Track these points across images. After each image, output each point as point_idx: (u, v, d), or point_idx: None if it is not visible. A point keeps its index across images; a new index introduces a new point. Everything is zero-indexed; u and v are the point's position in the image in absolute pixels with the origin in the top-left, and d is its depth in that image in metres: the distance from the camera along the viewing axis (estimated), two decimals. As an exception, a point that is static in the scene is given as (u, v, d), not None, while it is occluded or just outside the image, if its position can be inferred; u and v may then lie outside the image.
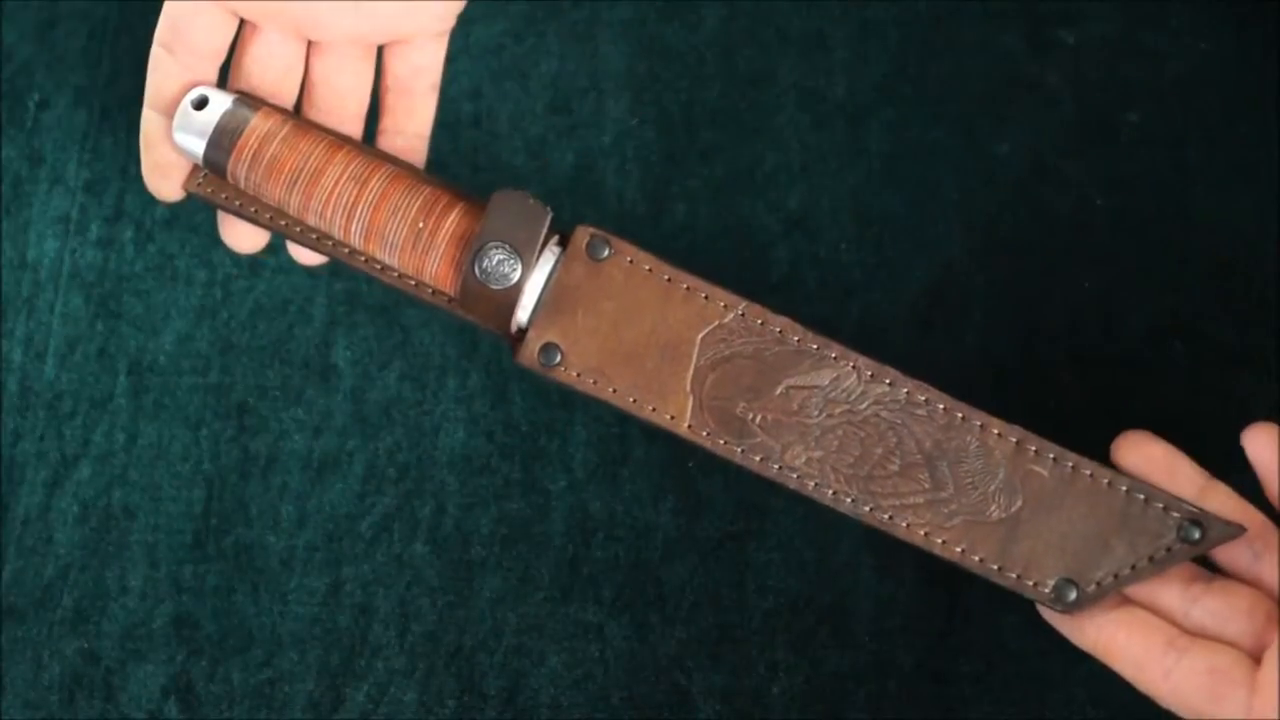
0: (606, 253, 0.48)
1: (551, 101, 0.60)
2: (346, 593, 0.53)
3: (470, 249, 0.46)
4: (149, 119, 0.49)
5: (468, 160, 0.58)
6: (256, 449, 0.55)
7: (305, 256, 0.50)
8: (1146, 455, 0.46)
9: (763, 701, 0.51)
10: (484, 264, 0.46)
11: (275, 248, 0.58)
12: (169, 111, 0.48)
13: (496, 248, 0.46)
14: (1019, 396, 0.55)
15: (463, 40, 0.60)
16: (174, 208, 0.58)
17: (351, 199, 0.47)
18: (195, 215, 0.58)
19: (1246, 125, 0.58)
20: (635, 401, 0.47)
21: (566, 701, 0.52)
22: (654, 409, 0.47)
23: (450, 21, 0.49)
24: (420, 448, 0.55)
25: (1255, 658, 0.43)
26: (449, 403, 0.55)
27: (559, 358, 0.47)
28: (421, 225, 0.47)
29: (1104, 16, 0.60)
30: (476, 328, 0.56)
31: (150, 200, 0.58)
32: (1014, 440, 0.46)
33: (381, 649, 0.52)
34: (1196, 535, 0.45)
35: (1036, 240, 0.57)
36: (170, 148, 0.49)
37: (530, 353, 0.48)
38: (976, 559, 0.46)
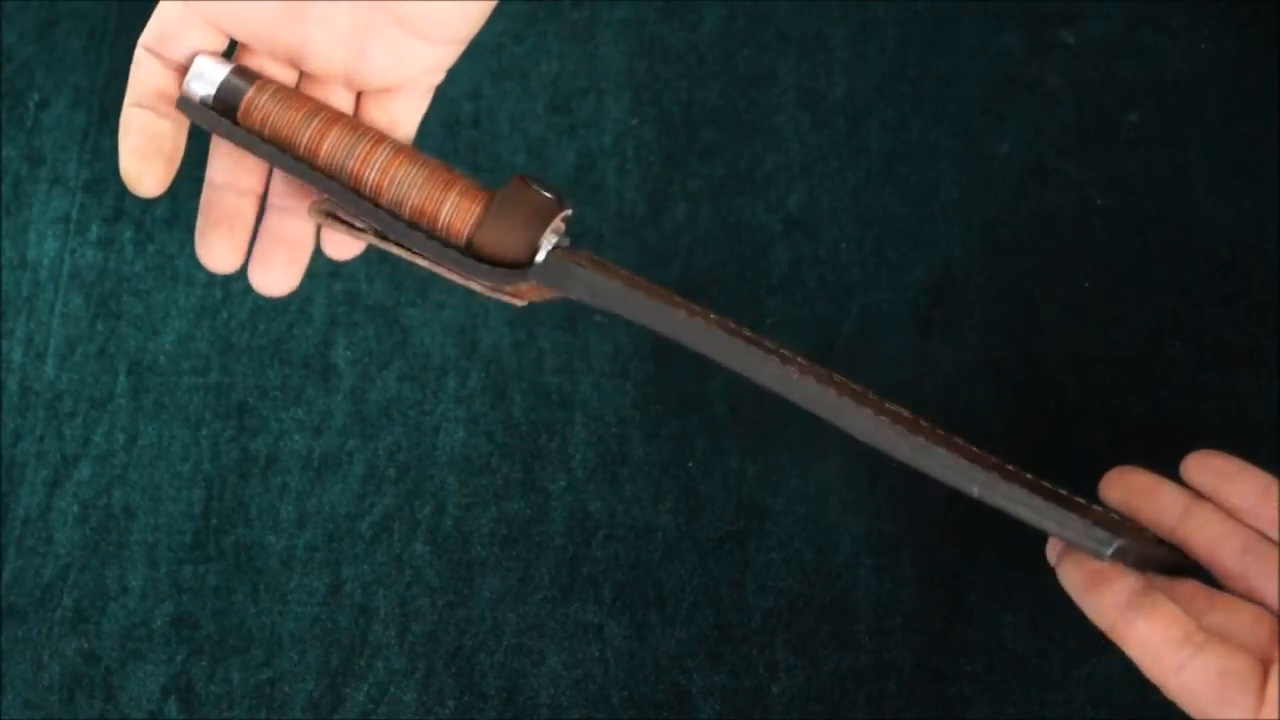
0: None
1: (551, 101, 0.60)
2: (346, 593, 0.53)
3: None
4: (130, 114, 0.47)
5: (468, 160, 0.58)
6: (256, 449, 0.55)
7: (336, 249, 0.48)
8: (1128, 485, 0.47)
9: (763, 701, 0.51)
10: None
11: (275, 248, 0.58)
12: (154, 107, 0.46)
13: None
14: (1019, 396, 0.55)
15: (463, 40, 0.60)
16: (174, 207, 0.58)
17: (369, 143, 0.45)
18: (195, 215, 0.58)
19: (1246, 125, 0.58)
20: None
21: (566, 701, 0.52)
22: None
23: (439, 76, 0.48)
24: (420, 448, 0.55)
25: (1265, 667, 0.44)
26: (449, 403, 0.55)
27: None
28: (439, 174, 0.46)
29: (1104, 16, 0.60)
30: (478, 327, 0.56)
31: (150, 200, 0.58)
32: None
33: (381, 649, 0.52)
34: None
35: (1036, 240, 0.57)
36: (153, 137, 0.46)
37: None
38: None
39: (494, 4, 0.46)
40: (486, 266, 0.45)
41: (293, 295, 0.57)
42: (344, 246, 0.48)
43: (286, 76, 0.47)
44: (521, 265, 0.44)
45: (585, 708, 0.52)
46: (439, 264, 0.46)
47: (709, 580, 0.53)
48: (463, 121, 0.59)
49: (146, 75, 0.47)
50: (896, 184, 0.58)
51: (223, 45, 0.47)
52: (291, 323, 0.57)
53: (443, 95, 0.59)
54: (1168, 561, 0.46)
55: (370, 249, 0.57)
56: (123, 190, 0.58)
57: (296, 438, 0.55)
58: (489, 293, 0.46)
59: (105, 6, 0.61)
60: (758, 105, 0.59)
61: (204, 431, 0.55)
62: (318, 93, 0.47)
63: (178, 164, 0.48)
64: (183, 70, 0.46)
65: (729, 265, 0.57)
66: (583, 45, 0.60)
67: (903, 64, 0.60)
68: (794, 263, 0.57)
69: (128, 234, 0.58)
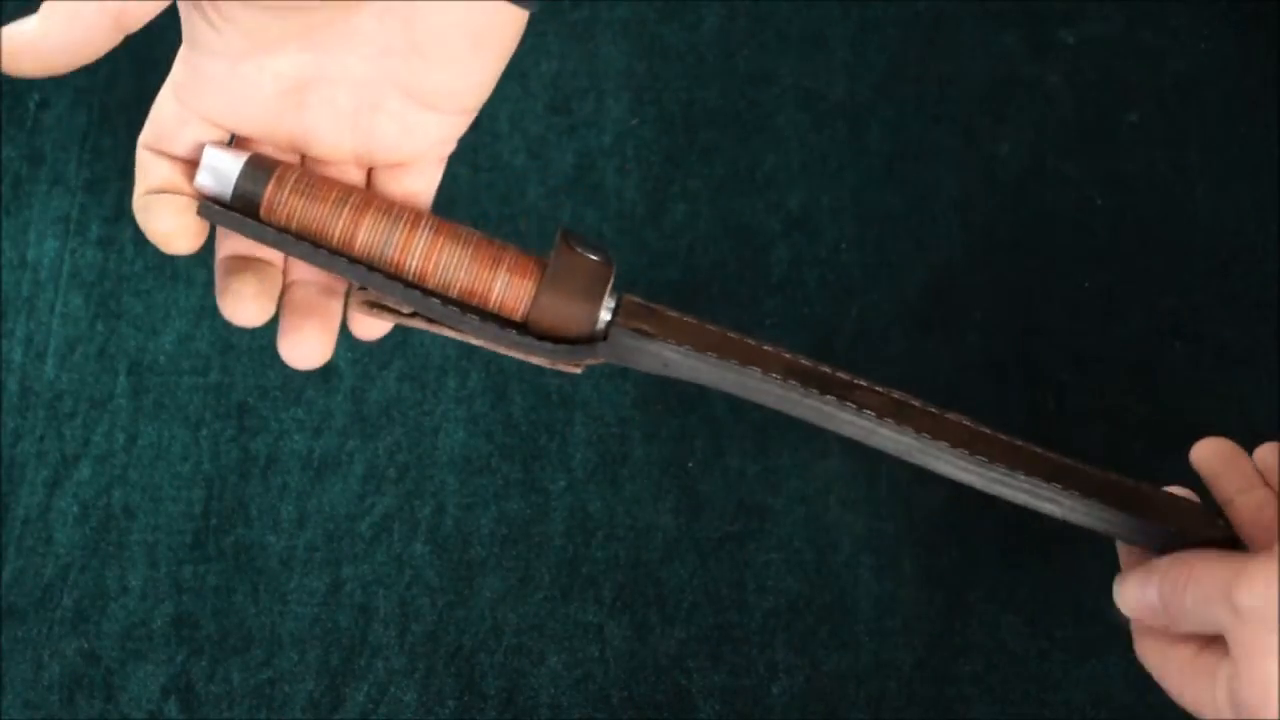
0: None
1: (551, 101, 0.60)
2: (346, 593, 0.53)
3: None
4: (143, 202, 0.44)
5: (468, 160, 0.58)
6: (256, 449, 0.55)
7: (364, 328, 0.46)
8: (1215, 452, 0.46)
9: (763, 701, 0.51)
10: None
11: (275, 248, 0.58)
12: (164, 189, 0.43)
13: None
14: (1019, 396, 0.55)
15: (463, 40, 0.60)
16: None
17: (407, 228, 0.43)
18: (195, 215, 0.58)
19: (1246, 125, 0.58)
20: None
21: (566, 701, 0.52)
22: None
23: (451, 146, 0.46)
24: (420, 448, 0.55)
25: None
26: (449, 403, 0.55)
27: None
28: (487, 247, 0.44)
29: (1104, 16, 0.60)
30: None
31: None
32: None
33: (381, 649, 0.52)
34: None
35: (1036, 240, 0.57)
36: (168, 215, 0.43)
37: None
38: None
39: (501, 69, 0.45)
40: (553, 345, 0.44)
41: (293, 295, 0.57)
42: (373, 327, 0.46)
43: (295, 160, 0.45)
44: (584, 338, 0.43)
45: (585, 708, 0.52)
46: (496, 344, 0.45)
47: (709, 580, 0.53)
48: (463, 121, 0.59)
49: (153, 174, 0.44)
50: (896, 184, 0.58)
51: (225, 136, 0.44)
52: (291, 323, 0.57)
53: (443, 95, 0.59)
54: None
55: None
56: (123, 190, 0.58)
57: (296, 438, 0.55)
58: (550, 365, 0.45)
59: (105, 6, 0.61)
60: (758, 105, 0.59)
61: (204, 431, 0.55)
62: (329, 173, 0.45)
63: (206, 231, 0.44)
64: (189, 162, 0.44)
65: (729, 265, 0.57)
66: (583, 45, 0.60)
67: (903, 64, 0.60)
68: (794, 263, 0.57)
69: (128, 234, 0.58)
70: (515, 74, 0.60)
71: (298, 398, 0.55)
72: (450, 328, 0.45)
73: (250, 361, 0.56)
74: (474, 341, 0.45)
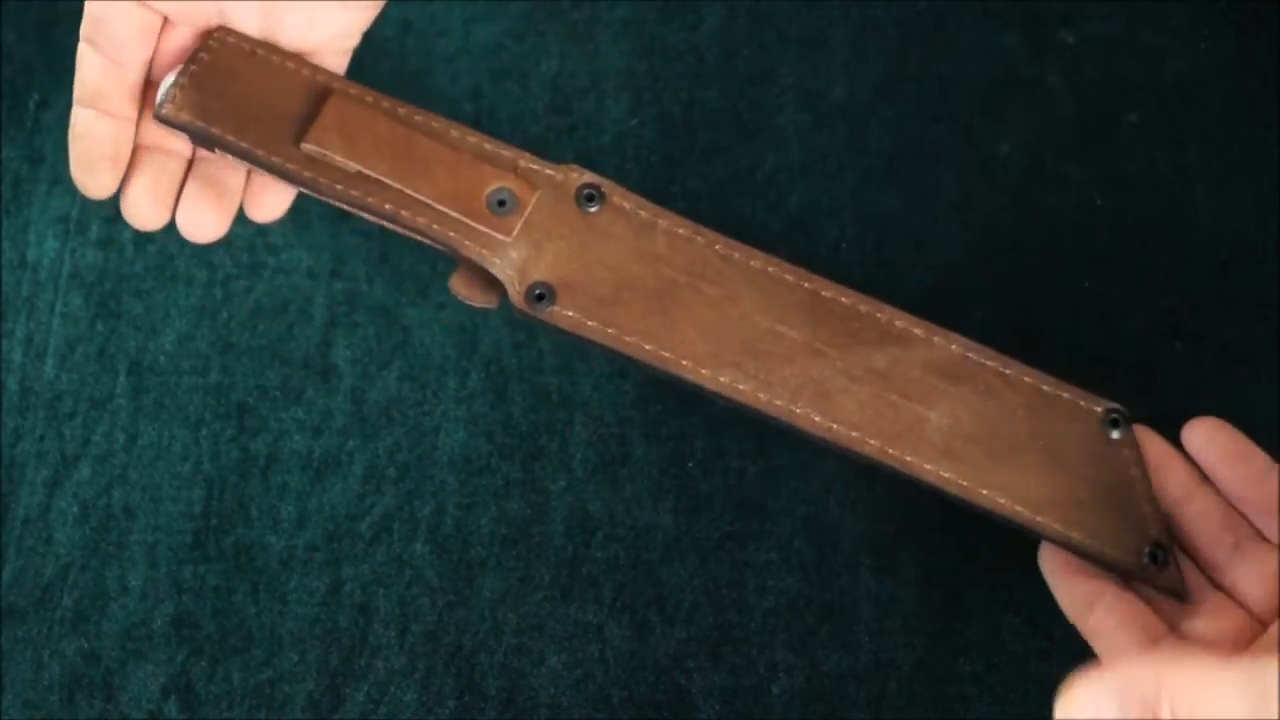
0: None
1: (551, 101, 0.60)
2: (346, 593, 0.53)
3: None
4: (76, 114, 0.48)
5: (468, 160, 0.58)
6: (256, 449, 0.55)
7: (262, 209, 0.51)
8: (1214, 440, 0.47)
9: (763, 701, 0.51)
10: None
11: (275, 248, 0.58)
12: (95, 105, 0.48)
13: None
14: (1019, 396, 0.55)
15: (463, 40, 0.60)
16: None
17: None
18: (195, 215, 0.58)
19: (1246, 125, 0.58)
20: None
21: (566, 701, 0.52)
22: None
23: (355, 39, 0.50)
24: (420, 448, 0.55)
25: None
26: (449, 403, 0.55)
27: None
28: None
29: (1104, 16, 0.60)
30: (477, 327, 0.56)
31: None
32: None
33: (381, 649, 0.52)
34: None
35: (1036, 240, 0.57)
36: (99, 142, 0.48)
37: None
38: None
39: None
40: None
41: (293, 295, 0.57)
42: (269, 207, 0.50)
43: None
44: None
45: (585, 708, 0.52)
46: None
47: (709, 580, 0.53)
48: (463, 121, 0.59)
49: (87, 72, 0.48)
50: (896, 184, 0.58)
51: (151, 18, 0.48)
52: (291, 323, 0.57)
53: (443, 95, 0.59)
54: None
55: (372, 251, 0.57)
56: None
57: (296, 438, 0.55)
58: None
59: (105, 6, 0.61)
60: (758, 105, 0.59)
61: (204, 431, 0.55)
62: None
63: (124, 165, 0.49)
64: (123, 51, 0.48)
65: (729, 265, 0.57)
66: (583, 45, 0.60)
67: (903, 64, 0.60)
68: (794, 263, 0.57)
69: (128, 234, 0.58)
70: (515, 74, 0.60)
71: (298, 398, 0.55)
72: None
73: (250, 361, 0.56)
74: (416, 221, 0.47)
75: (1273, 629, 0.43)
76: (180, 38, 0.49)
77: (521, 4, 0.61)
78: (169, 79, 0.48)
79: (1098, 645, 0.45)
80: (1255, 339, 0.55)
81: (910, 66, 0.60)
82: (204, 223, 0.49)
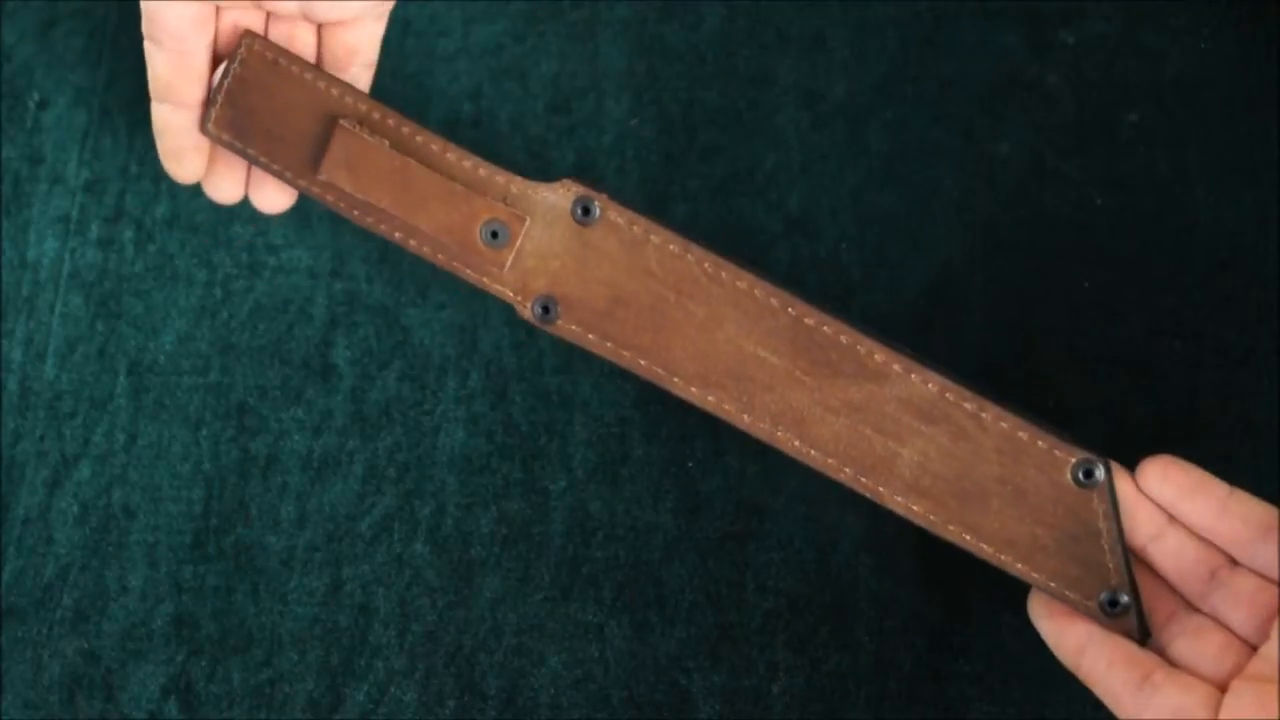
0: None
1: (551, 101, 0.60)
2: (346, 593, 0.53)
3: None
4: (155, 110, 0.51)
5: (468, 160, 0.58)
6: (256, 449, 0.55)
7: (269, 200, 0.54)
8: (1168, 479, 0.47)
9: (763, 701, 0.51)
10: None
11: (276, 248, 0.58)
12: (168, 98, 0.51)
13: None
14: (1019, 397, 0.55)
15: (463, 40, 0.60)
16: (174, 207, 0.58)
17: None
18: (196, 215, 0.58)
19: (1246, 125, 0.58)
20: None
21: (566, 701, 0.52)
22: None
23: (389, 4, 0.52)
24: (420, 448, 0.55)
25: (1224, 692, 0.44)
26: (449, 403, 0.55)
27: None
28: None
29: (1104, 16, 0.60)
30: (477, 327, 0.56)
31: (150, 200, 0.58)
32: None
33: (381, 649, 0.52)
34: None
35: (1036, 240, 0.57)
36: (179, 134, 0.51)
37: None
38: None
39: None
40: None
41: (293, 295, 0.57)
42: (275, 199, 0.53)
43: (254, 20, 0.51)
44: None
45: (585, 708, 0.52)
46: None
47: (709, 580, 0.53)
48: (463, 121, 0.59)
49: (156, 68, 0.50)
50: (896, 184, 0.58)
51: (206, 10, 0.50)
52: (291, 323, 0.57)
53: (443, 95, 0.59)
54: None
55: (372, 251, 0.57)
56: (123, 190, 0.58)
57: (296, 438, 0.55)
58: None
59: (105, 6, 0.61)
60: (758, 105, 0.59)
61: (204, 431, 0.55)
62: (283, 28, 0.52)
63: (207, 150, 0.52)
64: (185, 42, 0.50)
65: (729, 265, 0.57)
66: (583, 45, 0.60)
67: (903, 64, 0.60)
68: (794, 263, 0.57)
69: (128, 234, 0.58)
70: (515, 74, 0.60)
71: (298, 398, 0.55)
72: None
73: (250, 361, 0.56)
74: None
75: (1263, 650, 0.44)
76: (235, 17, 0.51)
77: (521, 4, 0.61)
78: (215, 83, 0.51)
79: (1094, 689, 0.46)
80: (1255, 339, 0.55)
81: (910, 66, 0.60)
82: (271, 196, 0.53)
